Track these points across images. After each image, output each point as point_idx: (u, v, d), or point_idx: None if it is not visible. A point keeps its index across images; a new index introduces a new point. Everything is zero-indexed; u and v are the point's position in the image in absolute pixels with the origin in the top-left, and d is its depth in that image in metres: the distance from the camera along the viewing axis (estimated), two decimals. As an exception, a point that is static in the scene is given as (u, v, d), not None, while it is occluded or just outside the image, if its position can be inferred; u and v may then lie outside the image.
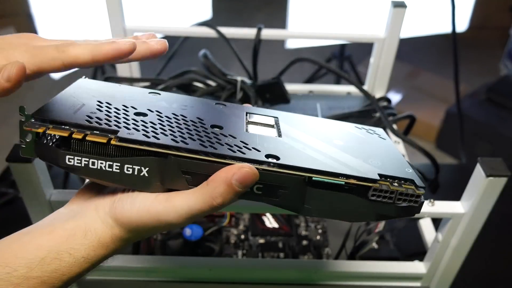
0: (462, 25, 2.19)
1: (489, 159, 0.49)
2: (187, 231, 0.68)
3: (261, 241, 0.69)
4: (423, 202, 0.36)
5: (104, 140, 0.33)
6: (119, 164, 0.34)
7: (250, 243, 0.69)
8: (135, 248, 0.67)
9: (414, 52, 2.48)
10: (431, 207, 0.53)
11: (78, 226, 0.36)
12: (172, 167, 0.34)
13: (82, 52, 0.35)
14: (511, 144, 1.76)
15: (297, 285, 0.60)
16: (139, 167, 0.34)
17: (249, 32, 0.80)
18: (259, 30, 0.79)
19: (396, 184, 0.36)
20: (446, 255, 0.56)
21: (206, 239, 0.68)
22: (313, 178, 0.35)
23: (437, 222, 0.63)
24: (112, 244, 0.37)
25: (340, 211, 0.36)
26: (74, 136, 0.33)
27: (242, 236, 0.70)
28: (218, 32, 0.79)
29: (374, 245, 0.66)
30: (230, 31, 0.80)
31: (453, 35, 0.89)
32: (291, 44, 1.76)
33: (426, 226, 0.65)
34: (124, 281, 0.59)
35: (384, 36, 0.79)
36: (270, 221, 0.71)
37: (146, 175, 0.35)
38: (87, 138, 0.33)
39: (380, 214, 0.36)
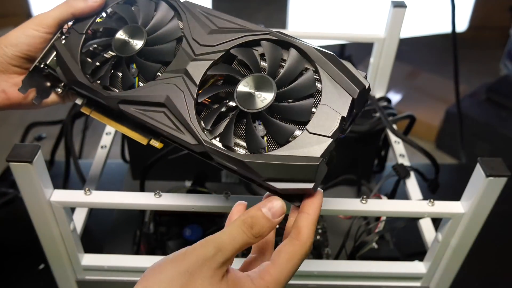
0: (462, 25, 2.20)
1: (489, 159, 0.49)
2: (187, 231, 0.68)
3: (261, 241, 0.69)
4: None
5: None
6: None
7: (250, 243, 0.69)
8: (135, 248, 0.67)
9: (414, 52, 2.48)
10: (431, 207, 0.53)
11: None
12: None
13: None
14: (511, 144, 1.76)
15: (297, 285, 0.60)
16: None
17: (249, 32, 0.80)
18: (259, 30, 0.79)
19: None
20: (446, 255, 0.56)
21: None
22: None
23: (437, 222, 0.63)
24: None
25: None
26: None
27: (242, 236, 0.70)
28: (218, 32, 0.79)
29: (374, 245, 0.66)
30: (230, 31, 0.79)
31: (453, 35, 0.89)
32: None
33: (426, 226, 0.64)
34: (124, 281, 0.59)
35: (384, 36, 0.79)
36: (270, 221, 0.70)
37: None
38: None
39: None
